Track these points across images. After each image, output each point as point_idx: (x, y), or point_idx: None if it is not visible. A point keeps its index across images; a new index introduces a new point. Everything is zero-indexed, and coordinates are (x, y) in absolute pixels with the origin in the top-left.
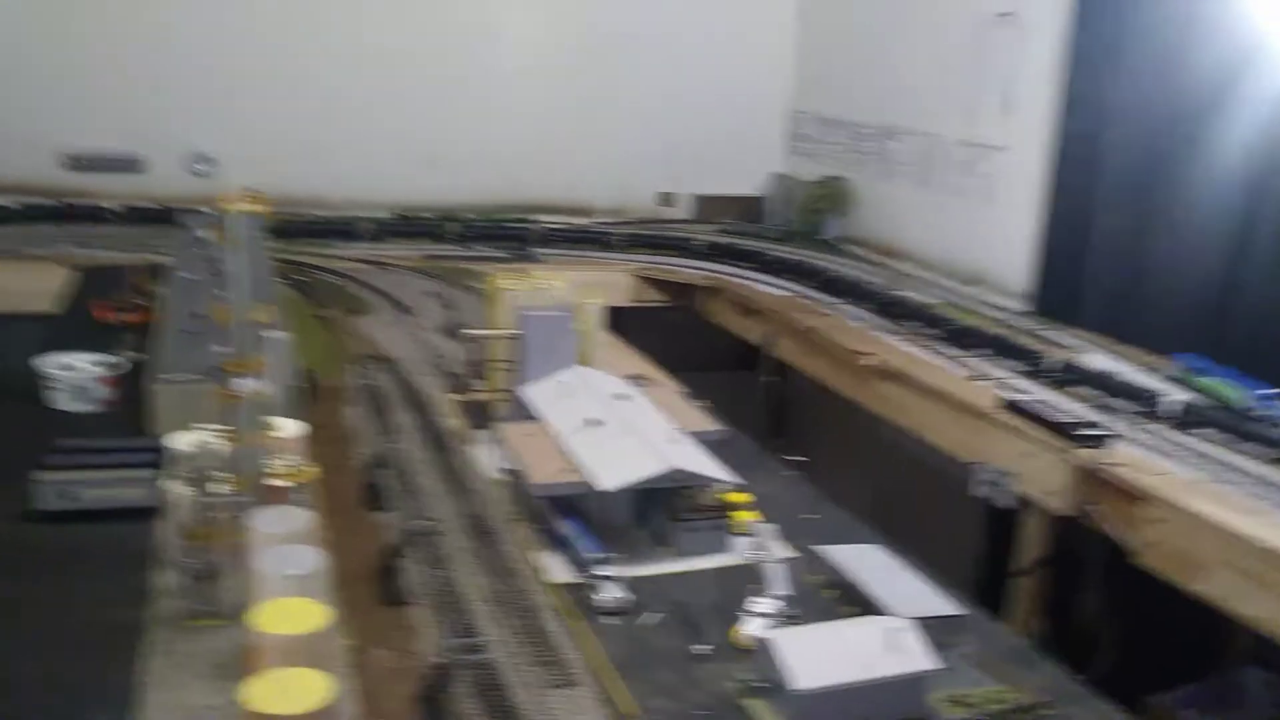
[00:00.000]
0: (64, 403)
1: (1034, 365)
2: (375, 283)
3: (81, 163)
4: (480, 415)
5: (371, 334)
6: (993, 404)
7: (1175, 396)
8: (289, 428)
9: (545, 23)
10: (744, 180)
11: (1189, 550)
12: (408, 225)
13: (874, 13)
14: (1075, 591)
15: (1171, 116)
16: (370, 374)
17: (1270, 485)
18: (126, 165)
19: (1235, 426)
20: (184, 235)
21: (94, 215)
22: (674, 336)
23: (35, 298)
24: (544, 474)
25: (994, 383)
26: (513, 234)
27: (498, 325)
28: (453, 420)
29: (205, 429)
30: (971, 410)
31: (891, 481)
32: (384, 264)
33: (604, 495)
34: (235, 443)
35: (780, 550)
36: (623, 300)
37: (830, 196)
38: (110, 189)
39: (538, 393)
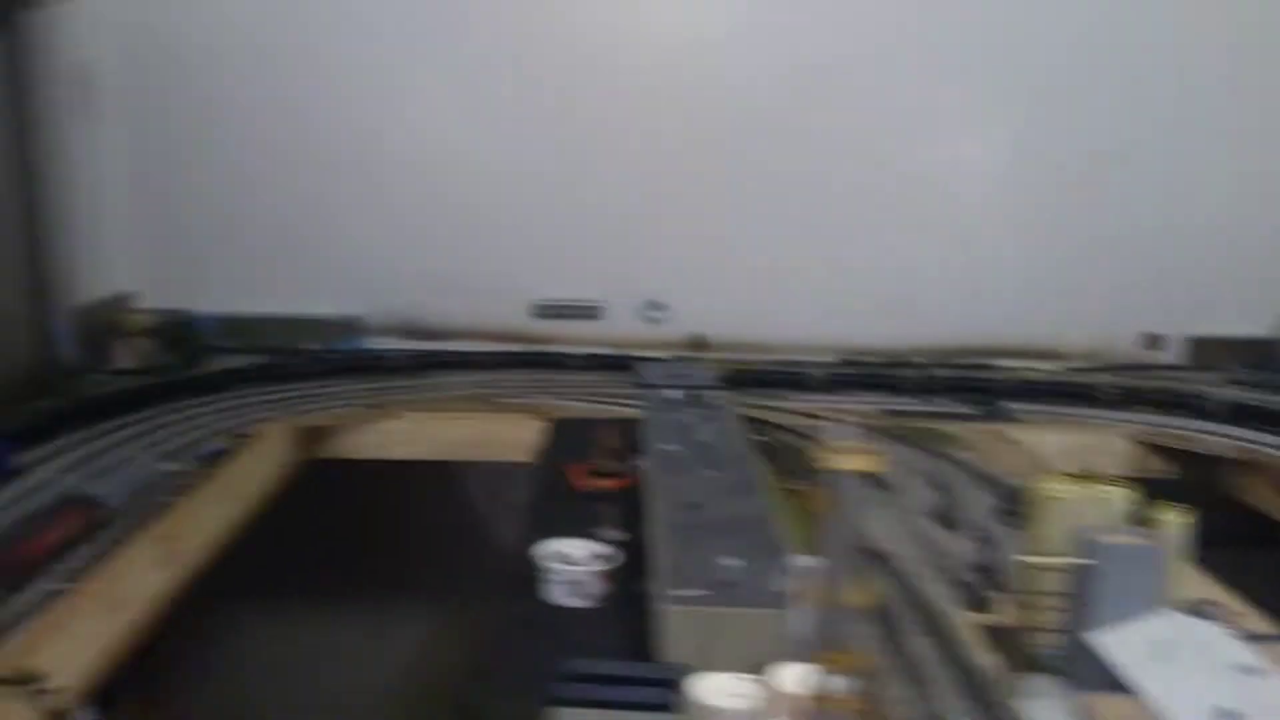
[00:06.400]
0: (560, 596)
1: None
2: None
3: (548, 311)
4: (1013, 650)
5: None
6: None
7: None
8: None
9: (1012, 146)
10: (1247, 318)
11: None
12: (858, 373)
13: None
14: None
15: None
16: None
17: None
18: (587, 313)
19: None
20: (652, 394)
21: (558, 363)
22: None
23: (513, 448)
24: None
25: None
26: (976, 384)
27: (1047, 544)
28: (984, 654)
29: (738, 675)
30: None
31: None
32: (839, 420)
33: None
34: None
35: None
36: (1119, 472)
37: None
38: (570, 335)
39: (1120, 647)
